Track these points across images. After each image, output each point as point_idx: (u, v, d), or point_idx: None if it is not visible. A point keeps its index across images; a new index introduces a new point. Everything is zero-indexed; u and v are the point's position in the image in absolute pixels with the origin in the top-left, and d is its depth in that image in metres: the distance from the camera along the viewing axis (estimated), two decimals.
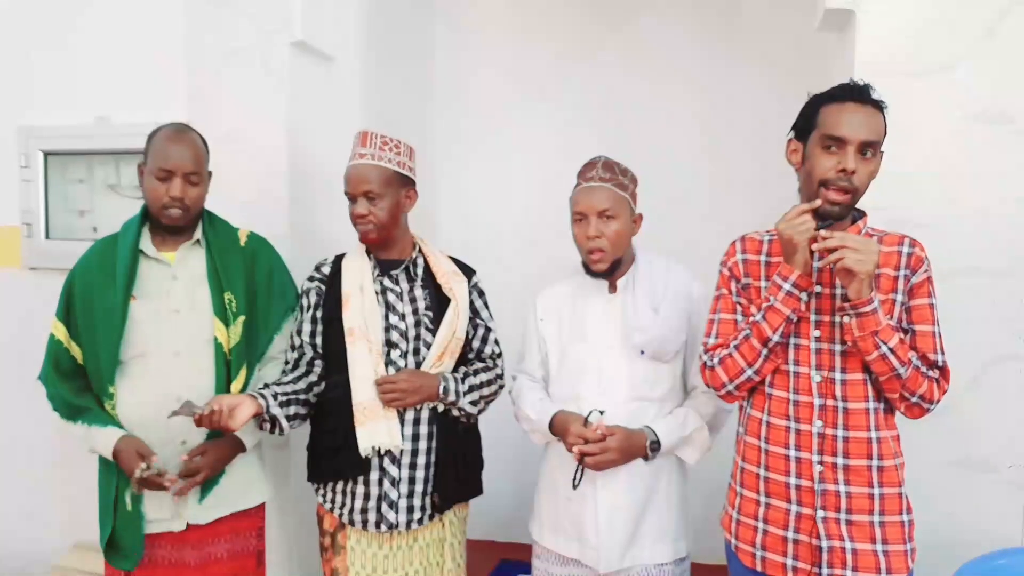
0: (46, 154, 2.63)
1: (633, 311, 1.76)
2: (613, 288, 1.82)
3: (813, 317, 1.52)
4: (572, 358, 1.82)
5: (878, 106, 1.47)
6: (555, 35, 3.23)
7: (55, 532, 2.62)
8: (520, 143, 3.28)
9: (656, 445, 1.72)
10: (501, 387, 1.96)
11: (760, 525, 1.56)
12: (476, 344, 1.94)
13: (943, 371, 1.49)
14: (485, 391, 1.90)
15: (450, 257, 1.99)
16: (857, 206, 1.52)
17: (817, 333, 1.51)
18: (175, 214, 1.82)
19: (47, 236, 2.65)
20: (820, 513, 1.49)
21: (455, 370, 1.88)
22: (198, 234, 1.90)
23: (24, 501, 2.71)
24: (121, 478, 1.79)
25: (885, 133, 1.48)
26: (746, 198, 3.02)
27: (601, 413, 1.70)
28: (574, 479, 1.72)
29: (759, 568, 1.56)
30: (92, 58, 2.54)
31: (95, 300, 1.82)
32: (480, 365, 1.93)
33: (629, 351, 1.76)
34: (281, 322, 1.96)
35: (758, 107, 3.00)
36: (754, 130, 3.00)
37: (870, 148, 1.45)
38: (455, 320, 1.86)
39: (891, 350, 1.40)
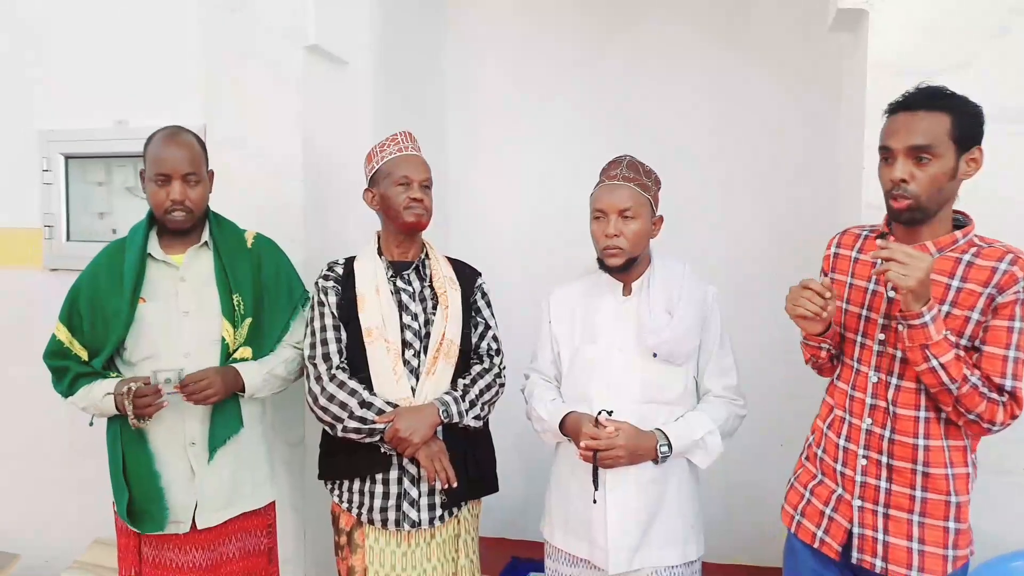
0: (67, 157, 2.68)
1: (647, 313, 1.76)
2: (628, 290, 1.82)
3: (881, 320, 1.53)
4: (583, 358, 1.82)
5: (935, 107, 1.41)
6: (563, 37, 3.23)
7: (76, 529, 2.66)
8: (530, 144, 3.29)
9: (667, 448, 1.72)
10: (502, 386, 1.96)
11: (807, 494, 1.65)
12: (474, 340, 1.96)
13: (1014, 396, 1.42)
14: (486, 397, 1.90)
15: (456, 259, 2.01)
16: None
17: (882, 336, 1.53)
18: (179, 217, 1.83)
19: (68, 238, 2.70)
20: (857, 502, 1.53)
21: (454, 380, 1.88)
22: (205, 236, 1.92)
23: (45, 498, 2.76)
24: (126, 437, 1.79)
25: (953, 134, 1.40)
26: (756, 200, 3.02)
27: (609, 413, 1.71)
28: (595, 481, 1.71)
29: (793, 530, 1.66)
30: (110, 63, 2.58)
31: (104, 304, 1.84)
32: (477, 370, 1.92)
33: (641, 353, 1.76)
34: (289, 320, 1.99)
35: (768, 108, 2.98)
36: (764, 131, 2.99)
37: (923, 152, 1.41)
38: (443, 324, 1.87)
39: (942, 365, 1.38)
